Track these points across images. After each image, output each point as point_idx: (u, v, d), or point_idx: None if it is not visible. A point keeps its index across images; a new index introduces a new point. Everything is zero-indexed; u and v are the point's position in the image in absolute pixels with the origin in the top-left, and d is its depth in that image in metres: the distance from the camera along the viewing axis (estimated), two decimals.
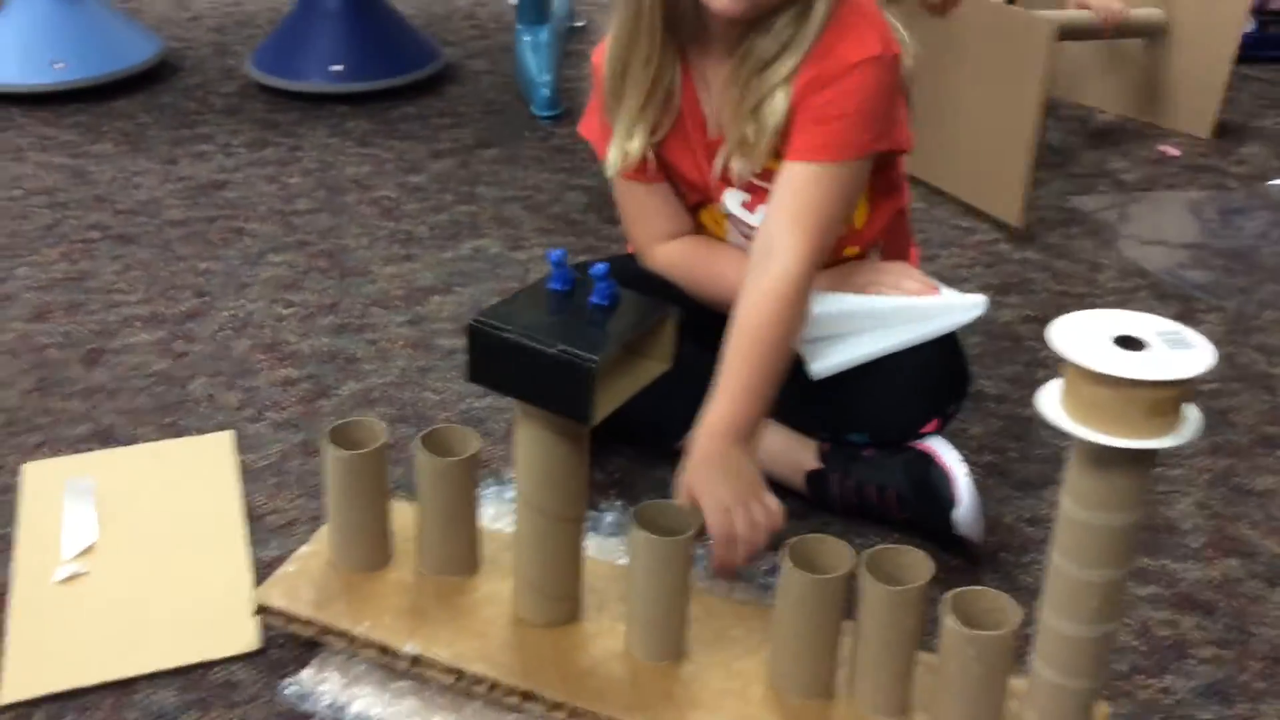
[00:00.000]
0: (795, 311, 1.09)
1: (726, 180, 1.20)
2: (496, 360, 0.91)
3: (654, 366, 0.97)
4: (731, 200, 1.22)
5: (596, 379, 0.87)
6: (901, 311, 1.14)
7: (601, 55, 1.20)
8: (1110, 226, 1.80)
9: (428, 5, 2.81)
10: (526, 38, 2.28)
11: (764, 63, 1.11)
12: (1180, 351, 0.72)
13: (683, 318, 0.97)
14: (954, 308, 1.12)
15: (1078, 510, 0.77)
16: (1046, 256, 1.73)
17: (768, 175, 1.16)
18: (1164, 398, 0.71)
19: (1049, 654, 0.83)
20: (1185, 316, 1.58)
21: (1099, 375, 0.70)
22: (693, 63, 1.18)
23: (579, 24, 2.64)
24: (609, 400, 0.92)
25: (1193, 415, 0.74)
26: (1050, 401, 0.75)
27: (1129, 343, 0.73)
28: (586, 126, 1.28)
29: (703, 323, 1.21)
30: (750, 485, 1.06)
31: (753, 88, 1.12)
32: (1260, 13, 2.46)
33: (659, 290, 1.01)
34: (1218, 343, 1.50)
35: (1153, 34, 2.14)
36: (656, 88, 1.17)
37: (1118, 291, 1.62)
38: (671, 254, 1.26)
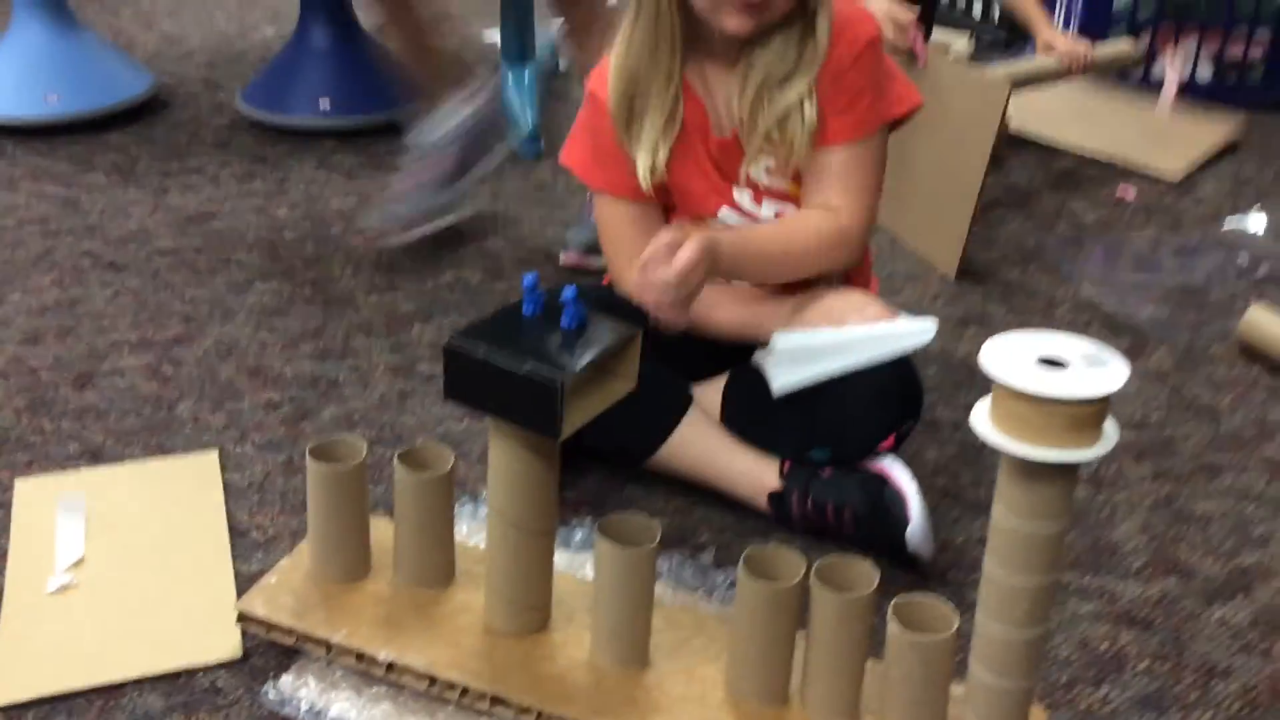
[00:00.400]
0: (837, 254, 1.26)
1: (735, 180, 1.28)
2: (471, 379, 0.97)
3: (620, 386, 1.03)
4: (740, 196, 1.30)
5: (564, 396, 0.93)
6: (860, 338, 1.20)
7: (601, 82, 1.27)
8: (1067, 264, 1.88)
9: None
10: (510, 77, 2.35)
11: (778, 79, 1.22)
12: (1098, 370, 0.78)
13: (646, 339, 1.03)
14: (908, 332, 1.19)
15: (1008, 518, 0.83)
16: (1005, 292, 1.80)
17: (779, 171, 1.28)
18: (1083, 414, 0.77)
19: (984, 656, 0.88)
20: (1135, 350, 1.65)
21: (1022, 393, 0.77)
22: (689, 69, 1.26)
23: (562, 66, 2.72)
24: (576, 417, 0.98)
25: (1111, 430, 0.80)
26: (981, 417, 0.81)
27: (1052, 363, 0.79)
28: (570, 156, 1.35)
29: (674, 349, 1.28)
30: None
31: (775, 102, 1.23)
32: (1219, 60, 2.56)
33: (626, 315, 1.07)
34: (1165, 375, 1.59)
35: (1124, 67, 2.22)
36: (675, 103, 1.25)
37: (1072, 325, 1.69)
38: None
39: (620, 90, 1.25)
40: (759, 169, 1.28)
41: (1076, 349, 0.81)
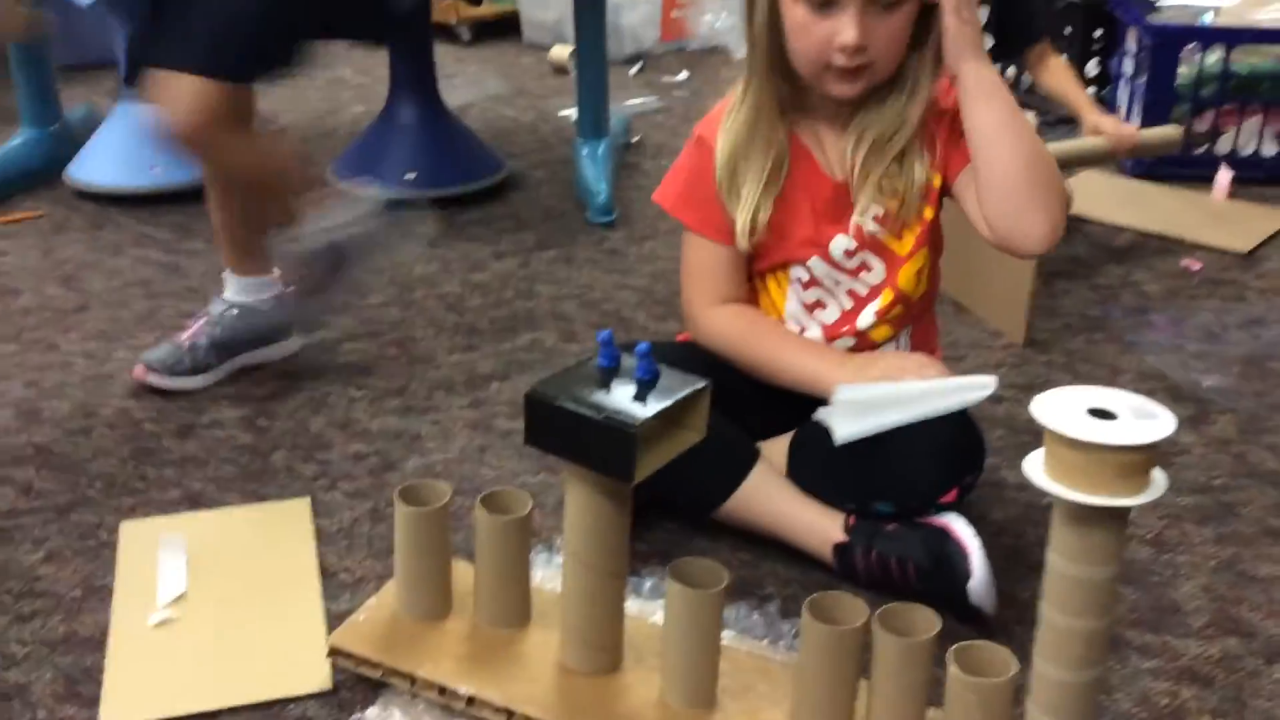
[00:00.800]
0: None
1: (840, 226, 1.34)
2: (550, 426, 1.03)
3: (689, 436, 1.08)
4: (837, 244, 1.35)
5: (639, 442, 0.99)
6: (921, 391, 1.25)
7: (710, 128, 1.35)
8: (1131, 334, 1.91)
9: (495, 121, 3.01)
10: (585, 150, 2.46)
11: (889, 135, 1.30)
12: (1145, 422, 0.83)
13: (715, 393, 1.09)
14: (968, 386, 1.23)
15: (1061, 564, 0.87)
16: (1070, 360, 1.83)
17: (885, 221, 1.34)
18: (1131, 461, 0.82)
19: (1041, 700, 0.92)
20: (1199, 418, 1.67)
21: (1073, 441, 0.81)
22: (800, 127, 1.34)
23: (634, 139, 2.83)
24: (649, 463, 1.03)
25: (1159, 479, 0.84)
26: (1034, 466, 0.85)
27: (1101, 414, 0.83)
28: (665, 194, 1.41)
29: (742, 407, 1.33)
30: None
31: (886, 157, 1.30)
32: None
33: (696, 370, 1.13)
34: (1229, 442, 1.61)
35: (1169, 151, 2.26)
36: (774, 168, 1.33)
37: (1136, 392, 1.71)
38: (727, 317, 1.38)
39: (727, 153, 1.33)
40: (867, 217, 1.34)
41: (1126, 402, 0.85)
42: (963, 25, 1.22)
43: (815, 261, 1.36)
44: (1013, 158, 1.22)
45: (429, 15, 2.48)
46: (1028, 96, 2.84)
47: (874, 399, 1.26)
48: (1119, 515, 0.84)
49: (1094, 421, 0.82)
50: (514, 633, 1.16)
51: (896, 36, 1.25)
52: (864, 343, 1.38)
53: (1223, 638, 1.25)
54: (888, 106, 1.30)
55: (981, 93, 1.23)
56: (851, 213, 1.34)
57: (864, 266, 1.36)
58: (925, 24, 1.27)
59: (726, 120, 1.34)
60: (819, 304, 1.38)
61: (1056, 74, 2.19)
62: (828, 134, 1.34)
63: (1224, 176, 2.51)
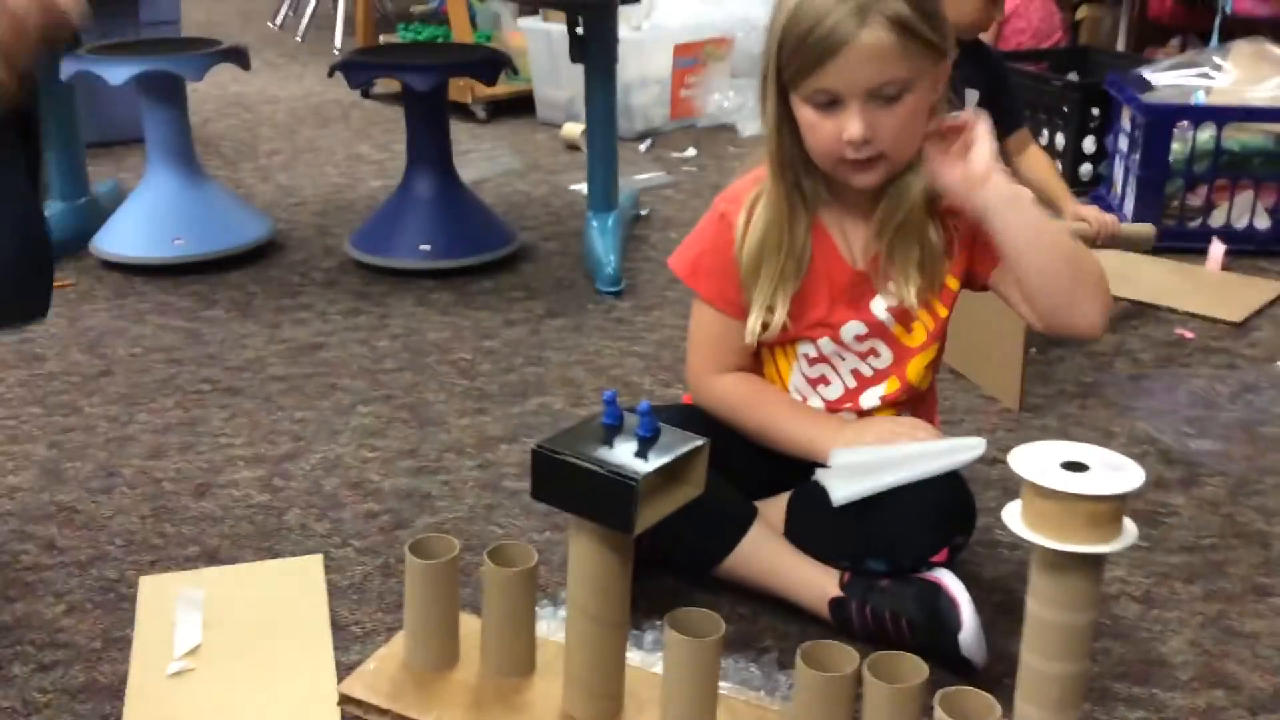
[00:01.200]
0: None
1: (855, 312, 1.38)
2: (555, 479, 1.08)
3: (688, 490, 1.13)
4: (848, 329, 1.40)
5: (639, 495, 1.04)
6: (914, 454, 1.30)
7: (733, 203, 1.39)
8: (1124, 400, 1.95)
9: (509, 195, 3.10)
10: (595, 223, 2.54)
11: (912, 217, 1.33)
12: (1115, 474, 0.88)
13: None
14: (959, 448, 1.28)
15: (1039, 609, 0.91)
16: (1064, 425, 1.88)
17: (896, 313, 1.38)
18: (1102, 510, 0.86)
19: None
20: (1190, 480, 1.71)
21: (1047, 490, 0.86)
22: (825, 212, 1.38)
23: (643, 213, 2.91)
24: (649, 516, 1.08)
25: (1130, 528, 0.89)
26: (1012, 515, 0.90)
27: (1075, 466, 0.88)
28: (680, 262, 1.45)
29: (740, 468, 1.38)
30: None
31: (908, 236, 1.34)
32: (1275, 211, 2.65)
33: (696, 431, 1.18)
34: (1218, 504, 1.65)
35: (1143, 248, 2.34)
36: (794, 265, 1.37)
37: (1129, 456, 1.76)
38: (729, 384, 1.43)
39: (753, 248, 1.36)
40: (882, 306, 1.38)
41: (1097, 456, 0.90)
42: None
43: (825, 341, 1.41)
44: (1051, 260, 1.27)
45: (445, 94, 2.58)
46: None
47: (869, 462, 1.31)
48: (1093, 562, 0.89)
49: (1067, 474, 0.87)
50: (519, 682, 1.20)
51: (905, 125, 1.28)
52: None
53: (1208, 690, 1.28)
54: (910, 190, 1.33)
55: (1005, 205, 1.26)
56: (868, 299, 1.38)
57: (873, 352, 1.41)
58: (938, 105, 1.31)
59: (750, 205, 1.37)
60: (823, 379, 1.43)
61: (1037, 164, 2.30)
62: (851, 222, 1.38)
63: (1217, 249, 2.57)
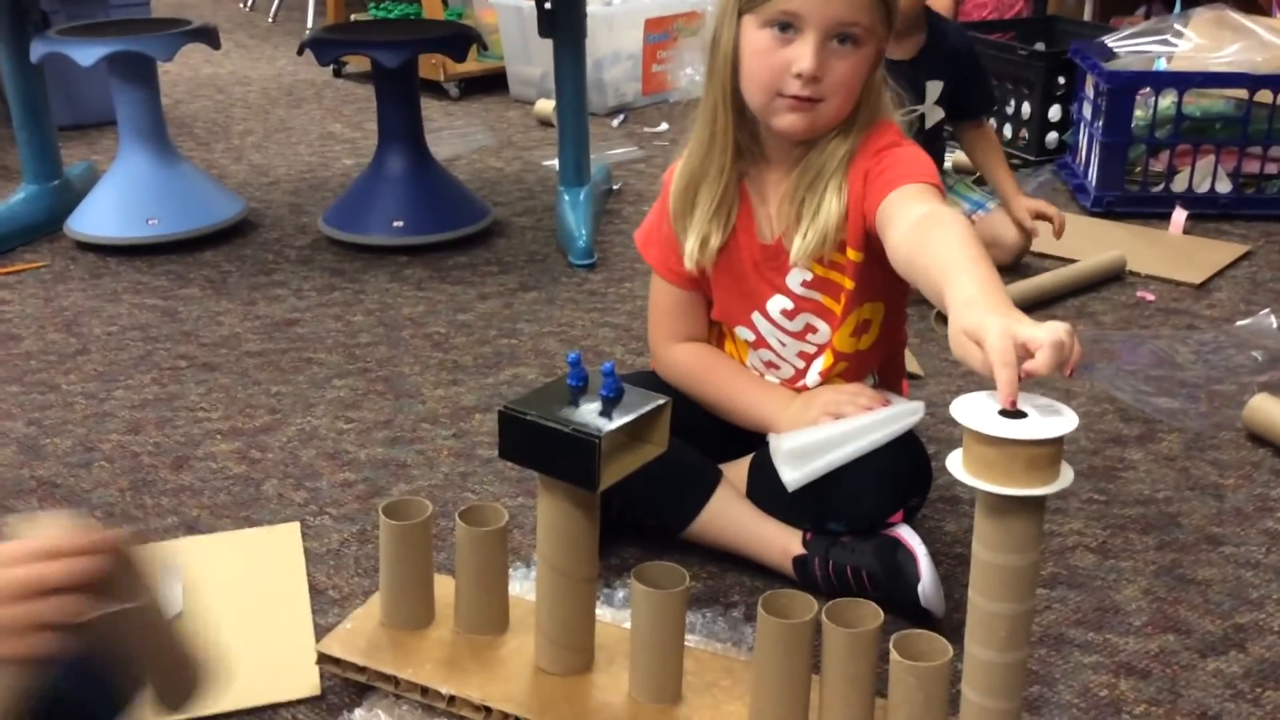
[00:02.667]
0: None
1: (774, 287, 1.40)
2: (522, 439, 1.12)
3: (651, 449, 1.17)
4: (774, 304, 1.41)
5: (602, 452, 1.07)
6: (856, 428, 1.33)
7: (671, 175, 1.43)
8: (1085, 361, 2.00)
9: (482, 171, 3.11)
10: (566, 197, 2.56)
11: (817, 172, 1.33)
12: (1052, 419, 0.91)
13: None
14: (899, 415, 1.32)
15: (983, 552, 0.95)
16: (1026, 385, 1.91)
17: (816, 285, 1.38)
18: (1040, 454, 0.90)
19: (972, 679, 0.99)
20: (1146, 436, 1.75)
21: (986, 437, 0.90)
22: (749, 180, 1.40)
23: (615, 187, 2.93)
24: (613, 473, 1.12)
25: (1067, 471, 0.92)
26: (955, 462, 0.94)
27: (1013, 414, 0.92)
28: (638, 234, 1.51)
29: (703, 433, 1.42)
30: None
31: (814, 191, 1.33)
32: (1236, 175, 2.69)
33: (664, 392, 1.21)
34: (1174, 458, 1.69)
35: (1114, 273, 2.39)
36: (723, 199, 1.38)
37: (1087, 414, 1.80)
38: (684, 354, 1.47)
39: (680, 185, 1.40)
40: (796, 279, 1.39)
41: (1034, 402, 0.94)
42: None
43: (758, 318, 1.42)
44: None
45: (415, 70, 2.59)
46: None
47: (815, 442, 1.34)
48: (1034, 505, 0.92)
49: (1006, 420, 0.91)
50: (492, 639, 1.24)
51: (850, 78, 1.28)
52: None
53: (1160, 634, 1.33)
54: (835, 154, 1.32)
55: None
56: (785, 274, 1.38)
57: (810, 329, 1.42)
58: (873, 77, 1.33)
59: (683, 156, 1.41)
60: (772, 365, 1.45)
61: (989, 153, 2.37)
62: (771, 183, 1.38)
63: (1179, 214, 2.62)
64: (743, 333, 1.45)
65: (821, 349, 1.43)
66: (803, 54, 1.26)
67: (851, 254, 1.35)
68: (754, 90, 1.31)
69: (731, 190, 1.39)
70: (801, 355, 1.44)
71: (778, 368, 1.45)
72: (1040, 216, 2.32)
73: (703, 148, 1.38)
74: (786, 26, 1.27)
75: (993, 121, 3.05)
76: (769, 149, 1.38)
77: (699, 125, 1.38)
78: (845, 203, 1.33)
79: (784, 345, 1.44)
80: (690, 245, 1.41)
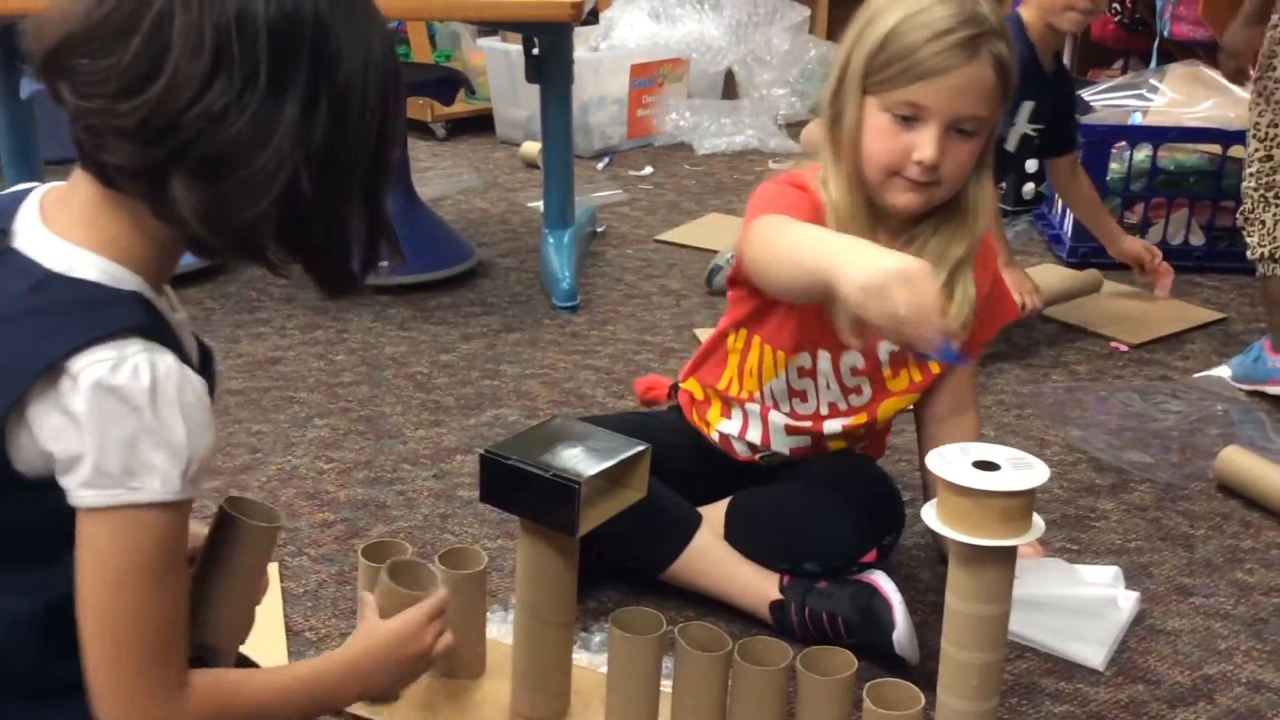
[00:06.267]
0: None
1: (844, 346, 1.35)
2: (502, 483, 1.13)
3: (631, 494, 1.18)
4: (849, 357, 1.40)
5: (581, 498, 1.09)
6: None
7: (807, 183, 1.35)
8: (1059, 411, 2.03)
9: (467, 211, 3.14)
10: (551, 239, 2.58)
11: (957, 261, 1.33)
12: (1023, 471, 0.93)
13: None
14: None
15: (956, 602, 0.97)
16: (1000, 434, 1.95)
17: (894, 361, 1.40)
18: (1012, 505, 0.92)
19: None
20: (1119, 486, 1.78)
21: (960, 488, 0.92)
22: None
23: (599, 229, 2.96)
24: (592, 518, 1.13)
25: (1038, 522, 0.94)
26: (930, 513, 0.96)
27: (986, 465, 0.94)
28: (762, 209, 1.32)
29: (681, 467, 1.43)
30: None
31: (959, 277, 1.34)
32: (1209, 228, 2.74)
33: (644, 437, 1.22)
34: (1145, 509, 1.71)
35: (1090, 291, 2.45)
36: None
37: (1060, 464, 1.83)
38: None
39: (838, 217, 1.33)
40: (884, 348, 1.39)
41: (1006, 455, 0.96)
42: None
43: (824, 356, 1.41)
44: None
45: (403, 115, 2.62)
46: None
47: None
48: (1006, 555, 0.94)
49: (979, 472, 0.93)
50: (468, 683, 1.24)
51: (966, 163, 1.30)
52: (818, 444, 1.47)
53: (1130, 685, 1.34)
54: (941, 234, 1.34)
55: None
56: (878, 338, 1.32)
57: (857, 390, 1.44)
58: (985, 156, 1.33)
59: (825, 190, 1.34)
60: (803, 395, 1.45)
61: (1087, 194, 2.49)
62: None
63: (1167, 279, 2.62)
64: (801, 359, 1.42)
65: (855, 410, 1.44)
66: (924, 142, 1.27)
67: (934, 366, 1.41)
68: (872, 168, 1.31)
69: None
70: (832, 407, 1.45)
71: (805, 400, 1.45)
72: (1139, 263, 2.46)
73: (844, 211, 1.33)
74: (908, 117, 1.27)
75: None
76: (878, 223, 1.36)
77: (840, 193, 1.33)
78: (974, 299, 1.35)
79: (827, 389, 1.44)
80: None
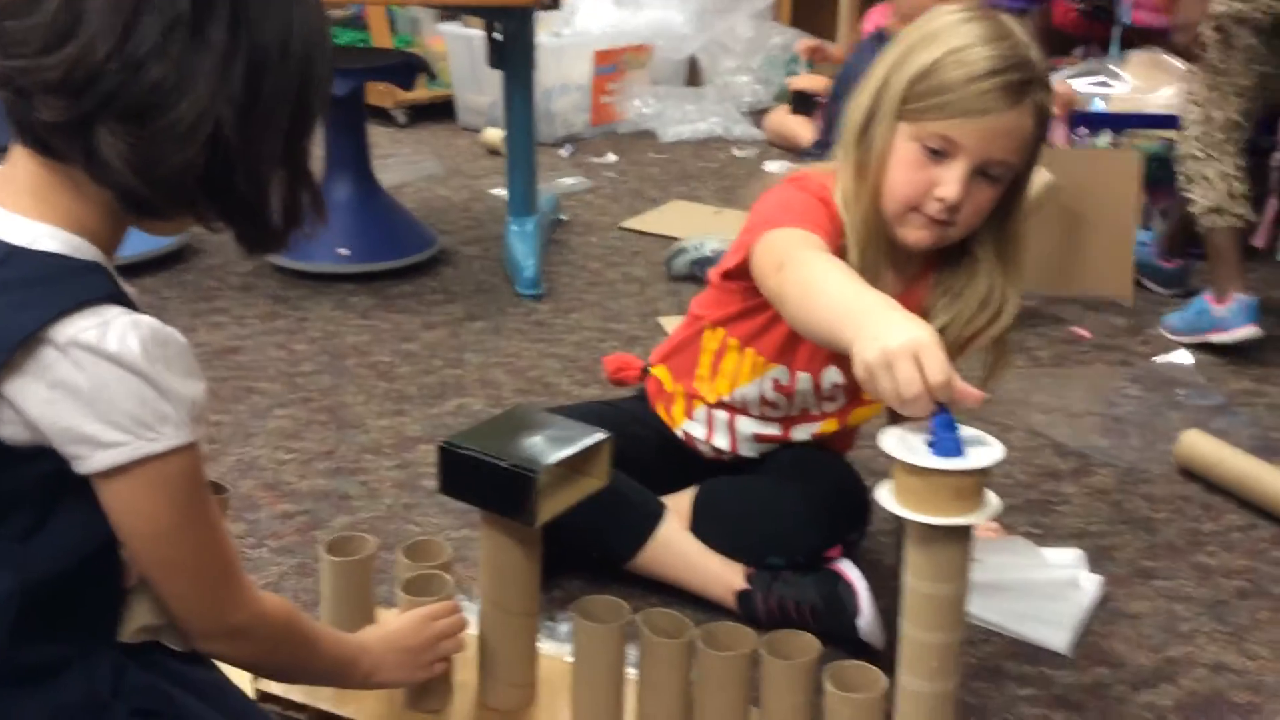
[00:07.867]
0: None
1: (839, 362, 1.32)
2: (461, 474, 1.12)
3: (592, 483, 1.17)
4: (830, 373, 1.37)
5: (539, 488, 1.08)
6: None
7: (828, 194, 1.30)
8: (1022, 396, 2.03)
9: (429, 199, 3.11)
10: (514, 227, 2.57)
11: (957, 294, 1.32)
12: (978, 449, 0.93)
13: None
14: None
15: (914, 582, 0.97)
16: (964, 421, 1.94)
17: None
18: (965, 484, 0.92)
19: (904, 709, 1.01)
20: (1080, 471, 1.79)
21: (914, 467, 0.92)
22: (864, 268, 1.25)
23: (563, 217, 2.95)
24: (551, 507, 1.12)
25: (993, 500, 0.94)
26: (885, 493, 0.95)
27: None
28: (778, 221, 1.27)
29: (648, 467, 1.43)
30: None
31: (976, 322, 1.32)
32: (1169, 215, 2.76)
33: (607, 426, 1.21)
34: (1107, 493, 1.72)
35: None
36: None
37: (1023, 449, 1.84)
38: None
39: (857, 241, 1.29)
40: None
41: (962, 434, 0.96)
42: None
43: (804, 377, 1.39)
44: None
45: (362, 98, 2.59)
46: None
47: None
48: (961, 534, 0.94)
49: (931, 451, 0.93)
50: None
51: (984, 208, 1.27)
52: (785, 446, 1.46)
53: (1094, 668, 1.35)
54: (953, 278, 1.32)
55: None
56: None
57: (831, 398, 1.43)
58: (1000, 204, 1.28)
59: (845, 210, 1.30)
60: (774, 405, 1.43)
61: None
62: (887, 283, 1.29)
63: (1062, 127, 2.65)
64: (778, 372, 1.40)
65: (826, 416, 1.43)
66: (950, 180, 1.23)
67: None
68: (893, 199, 1.27)
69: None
70: (804, 413, 1.43)
71: (777, 408, 1.43)
72: None
73: (863, 236, 1.29)
74: (938, 151, 1.23)
75: None
76: (886, 254, 1.32)
77: (860, 217, 1.29)
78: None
79: (804, 398, 1.42)
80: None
